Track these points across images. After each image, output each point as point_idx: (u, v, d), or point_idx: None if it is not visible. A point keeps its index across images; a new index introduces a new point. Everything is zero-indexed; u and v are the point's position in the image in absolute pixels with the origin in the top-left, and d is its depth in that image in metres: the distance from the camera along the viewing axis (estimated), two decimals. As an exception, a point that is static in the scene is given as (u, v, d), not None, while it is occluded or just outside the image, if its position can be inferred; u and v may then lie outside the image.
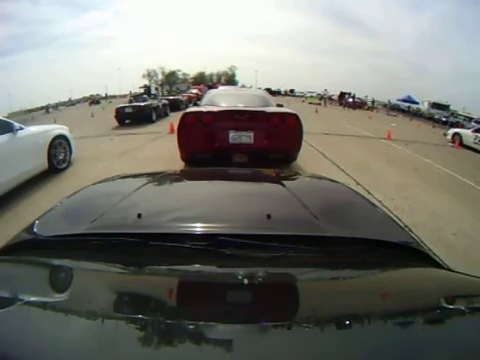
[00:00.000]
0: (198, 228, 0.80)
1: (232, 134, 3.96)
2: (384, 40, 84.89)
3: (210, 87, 16.97)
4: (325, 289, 0.68)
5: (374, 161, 5.97)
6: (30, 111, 30.00)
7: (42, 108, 31.49)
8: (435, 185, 4.72)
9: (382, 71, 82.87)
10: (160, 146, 6.58)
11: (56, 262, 0.76)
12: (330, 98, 31.26)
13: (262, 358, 0.45)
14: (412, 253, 0.81)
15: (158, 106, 13.05)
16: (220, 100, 4.63)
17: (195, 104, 5.75)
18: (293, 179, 1.48)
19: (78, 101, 41.92)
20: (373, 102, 29.74)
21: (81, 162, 5.24)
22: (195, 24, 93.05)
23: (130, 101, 14.25)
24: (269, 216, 0.81)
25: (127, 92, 33.70)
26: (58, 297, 0.64)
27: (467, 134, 10.16)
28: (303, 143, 4.42)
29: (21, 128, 4.02)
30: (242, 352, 0.46)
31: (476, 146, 9.54)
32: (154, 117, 12.07)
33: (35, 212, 1.01)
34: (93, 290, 0.64)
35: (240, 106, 4.25)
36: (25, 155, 3.92)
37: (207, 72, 56.81)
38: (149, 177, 1.31)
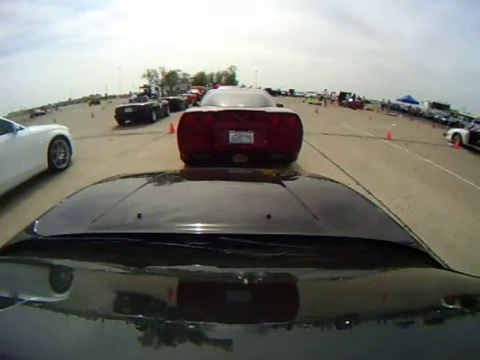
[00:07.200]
0: (198, 228, 0.80)
1: (232, 134, 3.95)
2: (385, 40, 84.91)
3: (214, 87, 17.02)
4: (325, 289, 0.68)
5: (374, 161, 5.97)
6: (30, 111, 30.08)
7: (41, 108, 31.50)
8: (435, 185, 4.72)
9: (382, 71, 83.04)
10: (160, 146, 6.58)
11: (56, 262, 0.76)
12: (330, 98, 31.26)
13: (262, 358, 0.44)
14: (412, 253, 0.81)
15: (158, 106, 13.06)
16: (220, 100, 4.61)
17: (195, 104, 5.73)
18: (293, 179, 1.48)
19: (78, 101, 41.96)
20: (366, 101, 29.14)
21: (81, 162, 5.24)
22: (195, 24, 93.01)
23: (130, 101, 14.28)
24: (269, 216, 0.81)
25: (127, 92, 33.73)
26: (58, 297, 0.64)
27: (467, 134, 10.17)
28: (303, 143, 4.42)
29: (21, 128, 4.02)
30: (242, 352, 0.46)
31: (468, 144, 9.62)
32: (154, 117, 12.08)
33: (35, 212, 1.01)
34: (93, 290, 0.64)
35: (240, 106, 4.24)
36: (25, 155, 3.92)
37: (207, 72, 57.06)
38: (149, 177, 1.31)
